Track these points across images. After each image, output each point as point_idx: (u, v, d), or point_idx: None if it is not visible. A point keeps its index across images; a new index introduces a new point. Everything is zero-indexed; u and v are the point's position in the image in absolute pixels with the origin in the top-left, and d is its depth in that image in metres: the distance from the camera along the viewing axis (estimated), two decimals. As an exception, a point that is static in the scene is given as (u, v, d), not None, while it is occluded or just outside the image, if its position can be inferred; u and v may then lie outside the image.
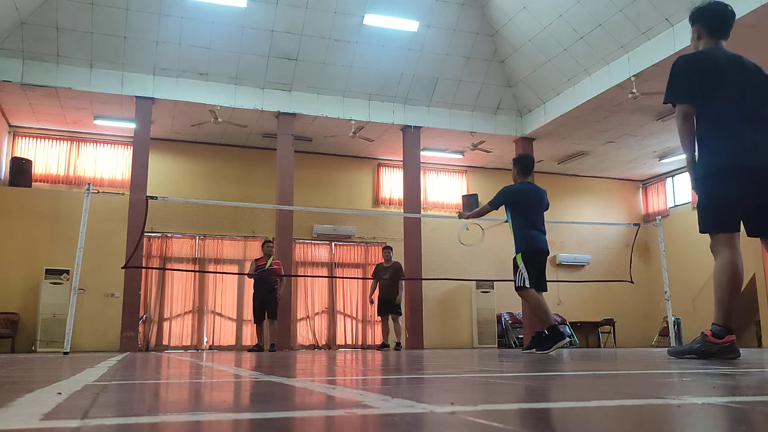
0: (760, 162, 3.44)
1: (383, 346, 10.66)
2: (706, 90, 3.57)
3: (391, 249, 10.79)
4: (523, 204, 6.11)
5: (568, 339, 5.88)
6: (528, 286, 5.86)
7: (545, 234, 6.13)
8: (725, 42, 3.82)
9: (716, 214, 3.51)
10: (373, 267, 11.41)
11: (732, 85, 3.59)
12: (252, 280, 10.38)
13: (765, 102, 3.62)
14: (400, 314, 10.53)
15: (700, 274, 14.18)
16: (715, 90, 3.57)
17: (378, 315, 10.67)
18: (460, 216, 6.72)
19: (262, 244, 10.54)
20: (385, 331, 10.57)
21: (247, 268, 13.49)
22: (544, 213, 6.27)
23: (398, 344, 10.36)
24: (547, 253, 6.13)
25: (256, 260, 10.46)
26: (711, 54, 3.70)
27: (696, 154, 3.60)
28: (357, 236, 14.32)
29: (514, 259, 6.00)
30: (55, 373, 2.74)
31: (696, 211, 3.75)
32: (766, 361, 3.58)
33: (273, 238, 11.42)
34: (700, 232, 3.64)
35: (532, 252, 5.96)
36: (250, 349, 10.25)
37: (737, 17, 8.98)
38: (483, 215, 6.41)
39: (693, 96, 3.58)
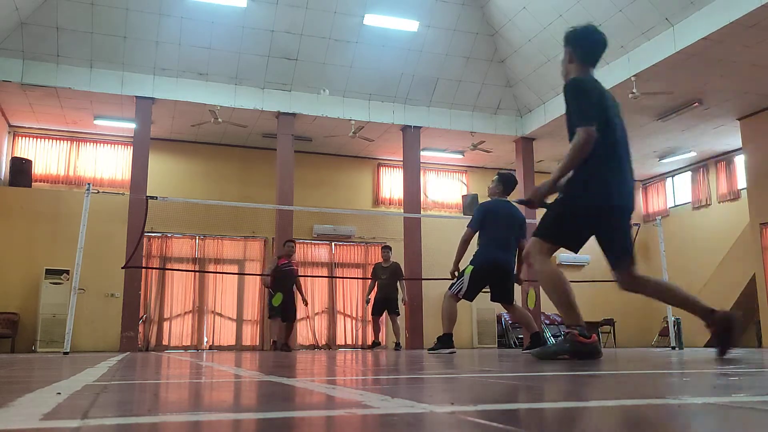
0: (621, 201, 3.57)
1: (375, 344, 10.43)
2: (604, 117, 3.49)
3: (390, 249, 10.58)
4: (492, 222, 6.05)
5: (453, 350, 6.05)
6: (461, 296, 5.99)
7: (513, 255, 6.08)
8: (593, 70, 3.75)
9: (564, 229, 3.64)
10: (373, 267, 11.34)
11: (614, 117, 3.57)
12: (265, 281, 9.83)
13: (625, 139, 3.66)
14: (399, 314, 10.37)
15: (700, 274, 14.17)
16: (609, 118, 3.52)
17: (372, 314, 10.43)
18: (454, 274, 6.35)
19: (284, 244, 10.08)
20: (377, 330, 10.33)
21: (247, 268, 13.54)
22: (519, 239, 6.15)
23: (397, 344, 10.22)
24: (509, 270, 6.06)
25: (279, 258, 9.88)
26: (599, 85, 3.63)
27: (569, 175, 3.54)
28: (357, 236, 14.32)
29: (464, 269, 6.02)
30: (55, 373, 2.73)
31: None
32: (766, 361, 3.58)
33: (272, 238, 11.40)
34: (537, 235, 3.67)
35: (486, 269, 5.94)
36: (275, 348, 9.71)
37: (737, 17, 9.07)
38: (468, 242, 6.12)
39: (600, 119, 3.46)
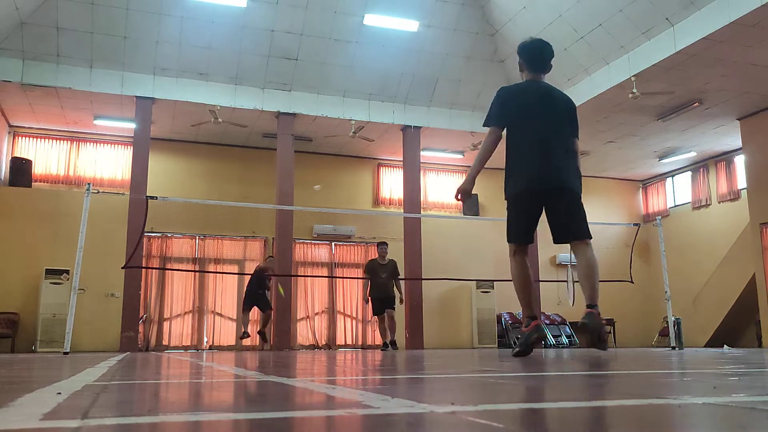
0: (545, 185, 3.97)
1: (386, 345, 10.03)
2: (515, 118, 4.08)
3: (386, 245, 10.08)
4: None
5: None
6: None
7: None
8: (545, 75, 4.32)
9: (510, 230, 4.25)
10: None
11: (537, 116, 4.06)
12: (247, 282, 11.17)
13: (565, 133, 4.09)
14: (395, 309, 9.91)
15: (700, 274, 14.17)
16: (521, 120, 4.07)
17: (374, 314, 10.05)
18: None
19: (266, 258, 11.65)
20: (383, 330, 10.03)
21: (247, 268, 13.57)
22: None
23: (394, 342, 9.85)
24: None
25: (264, 270, 11.11)
26: (524, 87, 4.23)
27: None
28: (357, 236, 14.32)
29: None
30: (55, 373, 2.73)
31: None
32: (766, 361, 3.58)
33: (272, 238, 11.42)
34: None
35: None
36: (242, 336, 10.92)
37: (737, 17, 9.07)
38: None
39: (504, 122, 4.11)
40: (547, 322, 14.36)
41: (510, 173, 4.09)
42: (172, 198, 10.59)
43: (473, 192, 15.27)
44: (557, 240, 4.11)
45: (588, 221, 4.13)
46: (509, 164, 4.09)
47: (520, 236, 4.10)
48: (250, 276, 11.15)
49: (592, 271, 3.98)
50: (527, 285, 4.14)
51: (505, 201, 4.17)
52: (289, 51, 11.72)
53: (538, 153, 3.98)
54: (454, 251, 14.25)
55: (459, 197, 4.28)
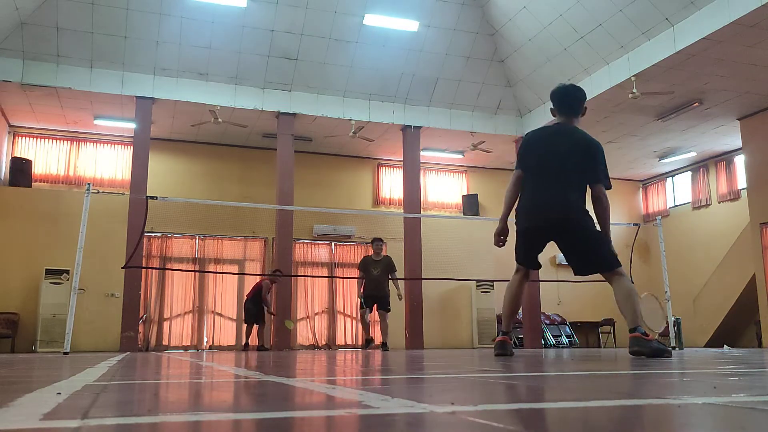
0: (541, 222, 4.21)
1: (369, 342, 9.61)
2: (531, 160, 4.34)
3: (382, 241, 9.70)
4: None
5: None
6: None
7: None
8: (576, 119, 4.50)
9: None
10: None
11: (547, 157, 4.26)
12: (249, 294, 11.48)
13: (576, 173, 4.22)
14: (389, 310, 9.38)
15: (700, 274, 14.17)
16: (535, 160, 4.31)
17: (360, 308, 9.47)
18: None
19: (273, 271, 11.45)
20: (366, 326, 9.47)
21: (247, 268, 13.58)
22: None
23: (385, 344, 9.26)
24: None
25: (272, 284, 11.43)
26: (546, 130, 4.54)
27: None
28: (357, 236, 14.31)
29: None
30: (55, 373, 2.73)
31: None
32: (766, 361, 3.58)
33: (272, 238, 11.41)
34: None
35: None
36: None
37: (737, 17, 9.06)
38: None
39: (523, 166, 4.40)
40: (547, 322, 14.36)
41: (518, 207, 4.38)
42: (172, 198, 10.59)
43: (473, 192, 15.17)
44: (576, 272, 4.24)
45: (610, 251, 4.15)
46: (520, 199, 4.39)
47: (521, 261, 4.45)
48: (253, 288, 11.39)
49: (631, 298, 4.08)
50: (514, 303, 4.48)
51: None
52: (289, 51, 11.72)
53: (541, 191, 4.22)
54: (454, 251, 14.25)
55: (497, 242, 4.53)
